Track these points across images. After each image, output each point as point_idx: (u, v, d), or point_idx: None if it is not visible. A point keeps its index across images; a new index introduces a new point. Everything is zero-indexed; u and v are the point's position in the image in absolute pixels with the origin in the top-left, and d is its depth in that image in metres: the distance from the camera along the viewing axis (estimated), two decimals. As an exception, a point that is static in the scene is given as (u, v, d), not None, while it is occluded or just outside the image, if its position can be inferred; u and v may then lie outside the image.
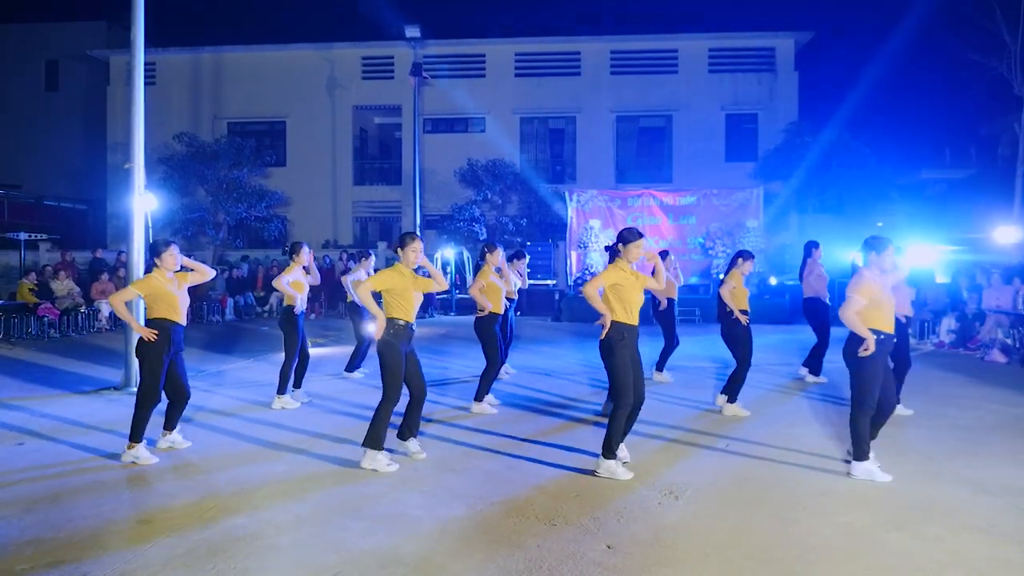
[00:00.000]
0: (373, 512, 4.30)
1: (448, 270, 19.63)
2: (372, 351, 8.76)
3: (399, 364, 5.07)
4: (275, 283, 7.22)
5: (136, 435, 5.25)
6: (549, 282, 18.66)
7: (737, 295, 7.04)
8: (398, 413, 5.28)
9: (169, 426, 5.62)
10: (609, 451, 4.92)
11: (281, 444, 5.78)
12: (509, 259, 8.90)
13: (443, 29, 24.31)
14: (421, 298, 5.27)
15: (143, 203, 8.25)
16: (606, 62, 24.08)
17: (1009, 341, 10.75)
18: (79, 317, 13.39)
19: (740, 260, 7.23)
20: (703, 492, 4.67)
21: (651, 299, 8.19)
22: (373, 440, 5.05)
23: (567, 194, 18.71)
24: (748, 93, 23.47)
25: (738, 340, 6.99)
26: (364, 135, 26.64)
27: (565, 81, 24.17)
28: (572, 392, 8.01)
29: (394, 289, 5.05)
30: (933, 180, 27.50)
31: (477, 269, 7.62)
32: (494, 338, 7.12)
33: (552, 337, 13.51)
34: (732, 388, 6.96)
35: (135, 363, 8.08)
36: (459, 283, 19.79)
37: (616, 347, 4.86)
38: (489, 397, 7.12)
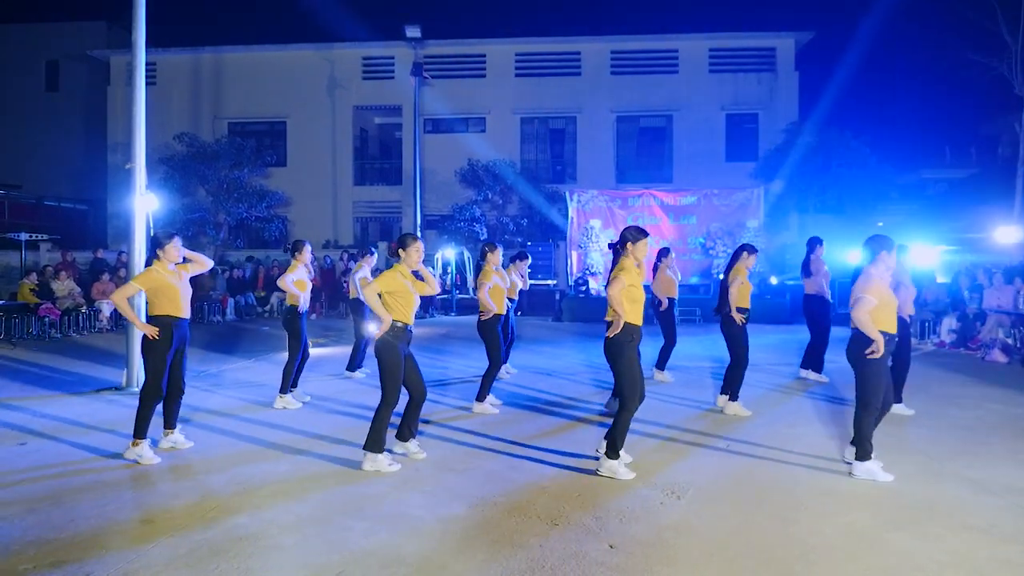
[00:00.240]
0: (375, 512, 4.31)
1: (449, 270, 19.64)
2: (371, 351, 8.79)
3: (398, 365, 5.07)
4: (279, 282, 7.22)
5: (140, 432, 5.25)
6: (550, 282, 18.66)
7: (742, 291, 7.04)
8: (397, 414, 5.29)
9: (169, 424, 5.62)
10: (613, 451, 4.93)
11: (283, 444, 5.78)
12: (512, 260, 8.92)
13: (443, 29, 24.41)
14: (419, 300, 5.28)
15: (144, 203, 8.25)
16: (606, 62, 24.09)
17: (1010, 341, 10.76)
18: (80, 317, 13.40)
19: (745, 254, 7.20)
20: (705, 492, 4.68)
21: (651, 298, 8.18)
22: (374, 443, 5.06)
23: (567, 194, 18.71)
24: (748, 93, 23.48)
25: (734, 338, 6.99)
26: (364, 135, 26.65)
27: (565, 81, 24.18)
28: (573, 392, 8.01)
29: (396, 291, 5.06)
30: (933, 180, 27.53)
31: (478, 269, 7.62)
32: (497, 339, 7.13)
33: (553, 337, 13.51)
34: (731, 387, 6.97)
35: (137, 363, 8.10)
36: (459, 283, 19.79)
37: (625, 348, 4.87)
38: (490, 397, 7.12)
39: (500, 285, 7.36)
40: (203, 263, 5.79)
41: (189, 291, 5.52)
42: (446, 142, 23.95)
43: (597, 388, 8.15)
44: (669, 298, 8.58)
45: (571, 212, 18.12)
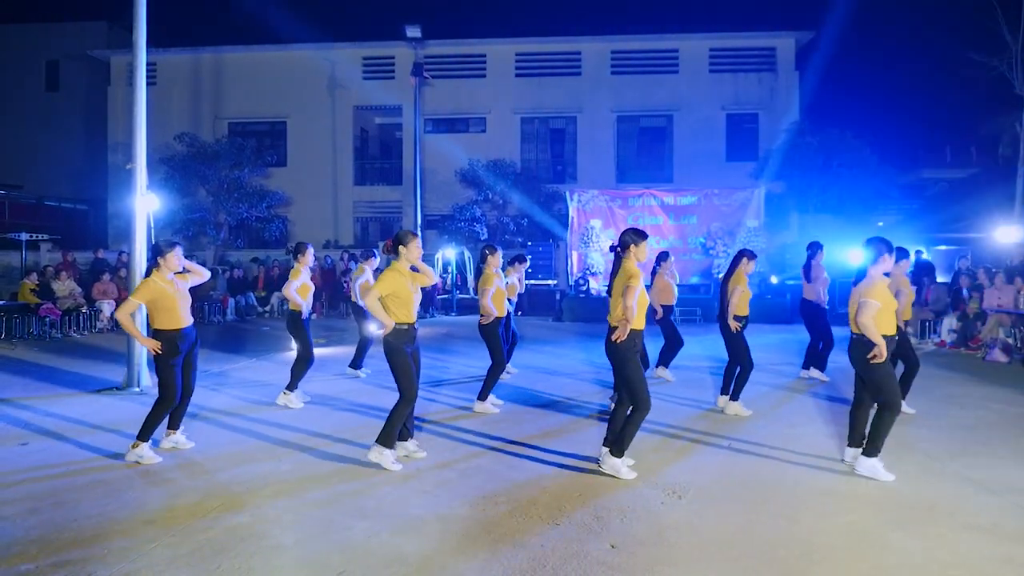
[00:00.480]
0: (376, 511, 4.31)
1: (449, 270, 19.64)
2: (374, 351, 8.80)
3: (408, 364, 5.11)
4: (285, 291, 7.23)
5: (144, 434, 5.26)
6: (550, 282, 18.66)
7: (743, 299, 7.04)
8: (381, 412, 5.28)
9: (174, 425, 5.63)
10: (620, 450, 4.93)
11: (284, 443, 5.79)
12: (510, 262, 8.89)
13: (444, 29, 24.42)
14: (420, 296, 5.29)
15: (145, 203, 8.25)
16: (607, 62, 24.09)
17: (1011, 340, 10.76)
18: (80, 317, 13.41)
19: (745, 260, 7.16)
20: (706, 491, 4.68)
21: (648, 308, 8.16)
22: (386, 437, 5.10)
23: (568, 194, 18.70)
24: (749, 93, 23.47)
25: (733, 342, 6.99)
26: (365, 135, 26.66)
27: (566, 81, 24.18)
28: (574, 391, 8.01)
29: (397, 292, 5.06)
30: (934, 180, 27.51)
31: (478, 271, 7.60)
32: (499, 340, 7.13)
33: (553, 337, 13.51)
34: (728, 386, 6.97)
35: (137, 363, 8.12)
36: (460, 283, 19.79)
37: (631, 354, 4.88)
38: (492, 397, 7.12)
39: (502, 288, 7.36)
40: (201, 274, 5.79)
41: (188, 299, 5.53)
42: (446, 142, 23.94)
43: (598, 388, 8.16)
44: (665, 305, 8.48)
45: (571, 212, 18.12)
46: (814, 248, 8.58)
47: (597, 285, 16.74)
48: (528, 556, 3.69)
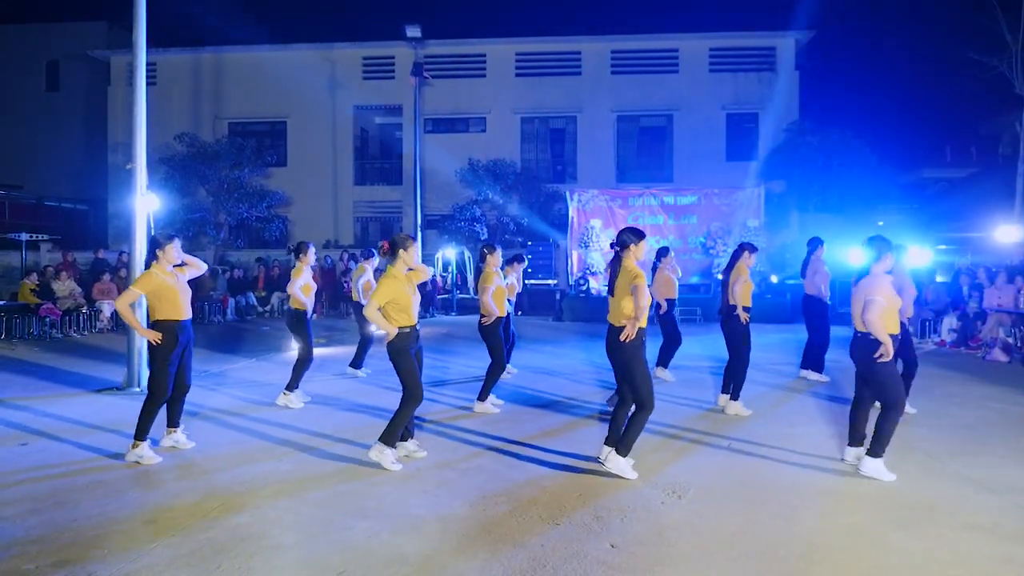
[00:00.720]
0: (376, 511, 4.31)
1: (449, 269, 19.64)
2: (373, 351, 8.80)
3: (414, 365, 5.12)
4: (289, 289, 7.24)
5: (141, 433, 5.26)
6: (550, 282, 18.66)
7: (746, 289, 7.04)
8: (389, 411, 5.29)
9: (172, 423, 5.63)
10: (627, 449, 4.93)
11: (284, 443, 5.79)
12: (508, 262, 8.88)
13: (444, 29, 24.40)
14: (419, 297, 5.29)
15: (145, 203, 8.25)
16: (607, 62, 24.08)
17: (1011, 340, 10.76)
18: (81, 317, 13.40)
19: (746, 253, 7.16)
20: (706, 491, 4.68)
21: (652, 303, 8.17)
22: (389, 436, 5.10)
23: (568, 194, 18.70)
24: (749, 92, 23.47)
25: (738, 336, 6.99)
26: (365, 135, 26.65)
27: (566, 81, 24.18)
28: (574, 391, 8.01)
29: (395, 299, 5.05)
30: (934, 179, 27.52)
31: (478, 271, 7.60)
32: (499, 340, 7.13)
33: (554, 337, 13.52)
34: (730, 385, 6.97)
35: (137, 363, 8.12)
36: (460, 283, 19.80)
37: (639, 352, 4.88)
38: (492, 397, 7.12)
39: (502, 287, 7.37)
40: (199, 267, 5.81)
41: (188, 292, 5.54)
42: (446, 142, 23.94)
43: (598, 387, 8.15)
44: (668, 299, 8.57)
45: (571, 212, 18.11)
46: (814, 244, 8.59)
47: (597, 285, 16.74)
48: (528, 556, 3.69)
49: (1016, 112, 19.37)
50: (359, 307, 8.85)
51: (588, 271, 17.22)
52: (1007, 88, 19.33)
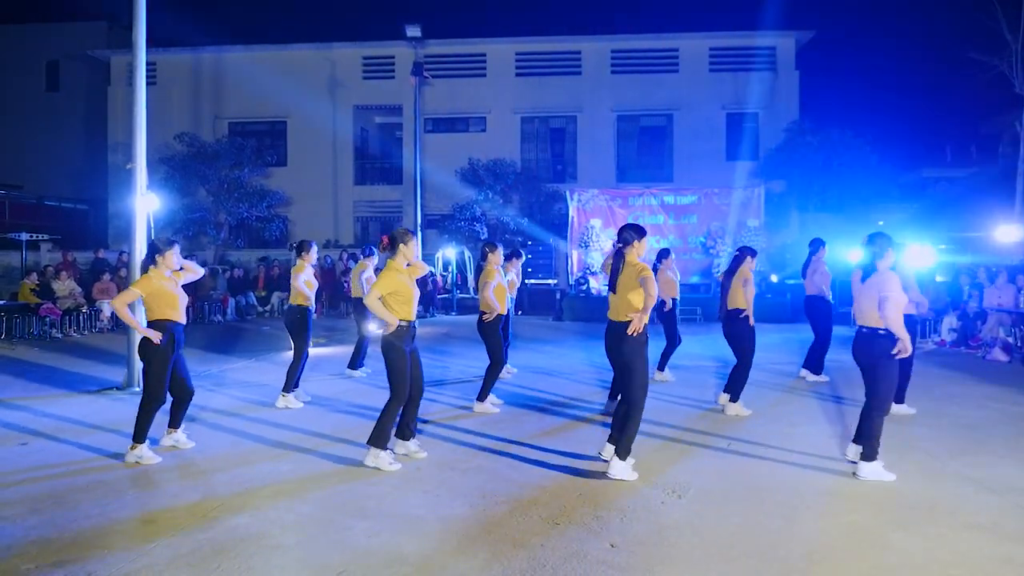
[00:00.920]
0: (376, 511, 4.31)
1: (449, 269, 19.63)
2: (372, 350, 8.79)
3: (405, 363, 5.10)
4: (294, 284, 7.24)
5: (140, 436, 5.26)
6: (550, 281, 18.66)
7: (751, 292, 7.06)
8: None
9: (174, 424, 5.64)
10: (625, 452, 4.91)
11: (284, 444, 5.78)
12: (506, 258, 8.88)
13: (444, 28, 24.44)
14: (418, 293, 5.30)
15: (145, 203, 8.25)
16: (607, 61, 24.09)
17: (1011, 340, 10.76)
18: (81, 317, 13.41)
19: (749, 258, 7.15)
20: (706, 491, 4.68)
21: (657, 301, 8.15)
22: (378, 438, 5.08)
23: (568, 193, 18.70)
24: (749, 92, 23.45)
25: (744, 338, 6.98)
26: (365, 135, 26.65)
27: (566, 80, 24.19)
28: (574, 391, 8.01)
29: (398, 290, 5.06)
30: (934, 179, 27.54)
31: (479, 270, 7.60)
32: (499, 339, 7.13)
33: (554, 337, 13.51)
34: (734, 387, 6.96)
35: (137, 363, 8.10)
36: (460, 282, 19.79)
37: (643, 348, 4.89)
38: (491, 397, 7.12)
39: (503, 284, 7.36)
40: (196, 271, 5.82)
41: (186, 298, 5.57)
42: (446, 142, 23.95)
43: (598, 388, 8.15)
44: (672, 298, 8.58)
45: (571, 211, 18.12)
46: (816, 244, 8.61)
47: (597, 284, 16.74)
48: (528, 556, 3.69)
49: (1016, 112, 19.37)
50: (359, 306, 8.85)
51: (588, 271, 17.22)
52: (1007, 88, 19.34)
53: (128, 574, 3.50)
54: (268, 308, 17.30)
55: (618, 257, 5.01)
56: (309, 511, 4.32)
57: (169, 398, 5.49)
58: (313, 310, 7.36)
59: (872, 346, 4.88)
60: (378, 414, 5.17)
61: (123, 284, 14.06)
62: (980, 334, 11.21)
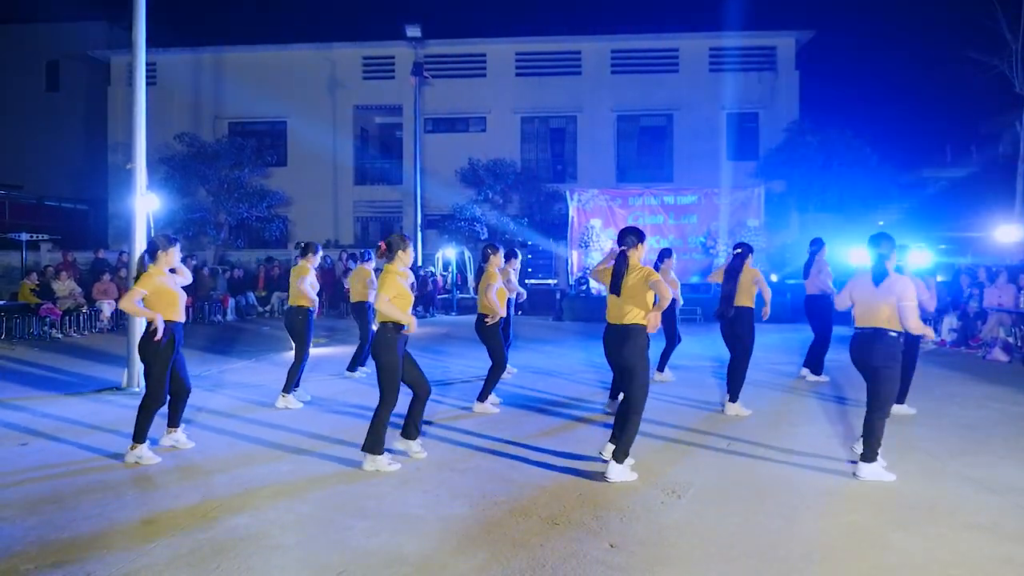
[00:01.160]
0: (376, 511, 4.31)
1: (449, 269, 19.64)
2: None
3: (397, 366, 5.10)
4: (300, 286, 7.25)
5: (140, 436, 5.26)
6: (550, 281, 18.66)
7: (767, 292, 7.13)
8: (399, 414, 5.29)
9: (173, 423, 5.65)
10: (623, 455, 4.89)
11: (284, 444, 5.78)
12: (504, 259, 8.85)
13: (444, 29, 24.40)
14: (413, 295, 5.31)
15: (145, 203, 8.25)
16: (607, 61, 24.09)
17: (1011, 340, 10.75)
18: (81, 317, 13.41)
19: (750, 256, 7.17)
20: (706, 491, 4.68)
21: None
22: (373, 445, 5.07)
23: (568, 193, 18.71)
24: (749, 92, 23.46)
25: (745, 337, 6.97)
26: (365, 135, 26.65)
27: (566, 80, 24.19)
28: (574, 392, 8.01)
29: (401, 293, 5.07)
30: (934, 179, 27.51)
31: (479, 272, 7.58)
32: (500, 341, 7.12)
33: (553, 337, 13.52)
34: (733, 387, 6.95)
35: (137, 363, 8.09)
36: (460, 283, 19.79)
37: (643, 353, 4.90)
38: (492, 397, 7.11)
39: (504, 287, 7.35)
40: (186, 277, 5.83)
41: (184, 297, 5.58)
42: (446, 142, 23.95)
43: (598, 388, 8.15)
44: (672, 299, 8.56)
45: (571, 211, 18.12)
46: (817, 244, 8.62)
47: (597, 285, 16.73)
48: (527, 556, 3.69)
49: (1016, 112, 19.37)
50: (357, 308, 8.84)
51: (588, 271, 17.23)
52: (1007, 88, 19.33)
53: (128, 574, 3.50)
54: (268, 308, 17.30)
55: (621, 260, 4.99)
56: (309, 511, 4.31)
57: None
58: (315, 311, 7.36)
59: (879, 347, 4.86)
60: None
61: (123, 284, 14.06)
62: (980, 334, 11.21)
